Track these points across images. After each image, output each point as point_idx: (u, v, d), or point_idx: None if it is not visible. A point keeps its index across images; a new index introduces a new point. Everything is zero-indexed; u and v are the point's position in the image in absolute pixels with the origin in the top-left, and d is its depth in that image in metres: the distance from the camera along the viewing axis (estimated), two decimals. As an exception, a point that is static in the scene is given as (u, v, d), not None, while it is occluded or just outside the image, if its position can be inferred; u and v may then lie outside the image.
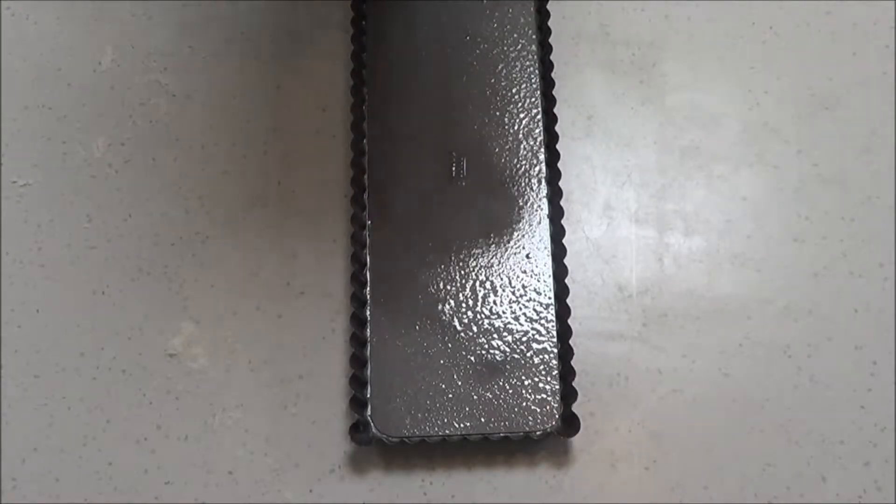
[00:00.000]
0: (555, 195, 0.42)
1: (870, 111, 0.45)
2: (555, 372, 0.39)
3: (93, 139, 0.45)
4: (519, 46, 0.44)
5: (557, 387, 0.38)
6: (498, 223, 0.41)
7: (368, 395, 0.39)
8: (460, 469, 0.39)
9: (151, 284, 0.42)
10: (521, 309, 0.40)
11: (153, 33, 0.47)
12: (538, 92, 0.44)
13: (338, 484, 0.39)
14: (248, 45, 0.46)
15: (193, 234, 0.43)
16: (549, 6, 0.45)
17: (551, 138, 0.43)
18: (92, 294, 0.42)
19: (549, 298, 0.40)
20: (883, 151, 0.44)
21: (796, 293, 0.42)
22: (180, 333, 0.41)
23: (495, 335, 0.39)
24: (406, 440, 0.38)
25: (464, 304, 0.40)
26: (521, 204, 0.42)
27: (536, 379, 0.39)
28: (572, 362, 0.39)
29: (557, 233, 0.41)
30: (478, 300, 0.40)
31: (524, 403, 0.38)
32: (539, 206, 0.42)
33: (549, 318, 0.40)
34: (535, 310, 0.40)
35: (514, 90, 0.44)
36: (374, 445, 0.38)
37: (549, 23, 0.45)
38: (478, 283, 0.40)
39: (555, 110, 0.43)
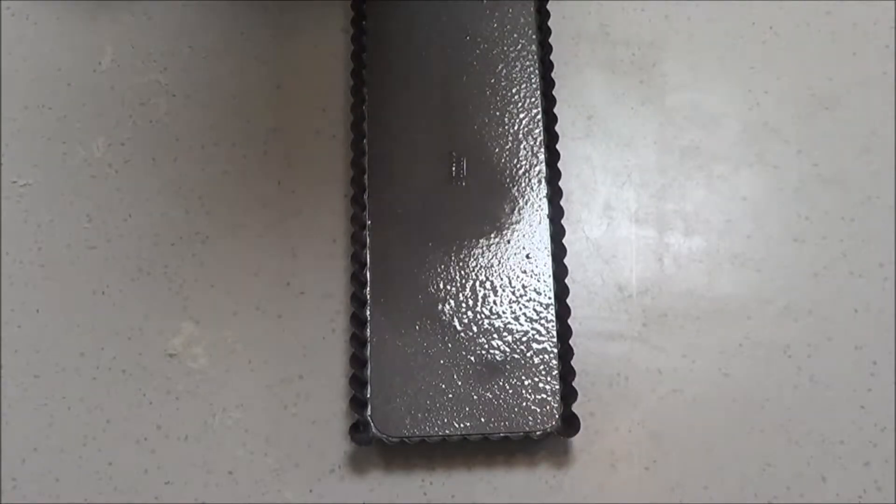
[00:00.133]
0: (555, 195, 0.42)
1: (870, 111, 0.45)
2: (555, 372, 0.39)
3: (93, 139, 0.45)
4: (519, 46, 0.44)
5: (557, 387, 0.38)
6: (498, 223, 0.41)
7: (368, 395, 0.39)
8: (460, 469, 0.39)
9: (151, 284, 0.42)
10: (521, 309, 0.40)
11: (153, 33, 0.47)
12: (538, 92, 0.44)
13: (338, 484, 0.39)
14: (248, 45, 0.46)
15: (193, 234, 0.43)
16: (549, 6, 0.45)
17: (551, 138, 0.43)
18: (92, 294, 0.42)
19: (549, 298, 0.40)
20: (883, 151, 0.44)
21: (796, 293, 0.42)
22: (180, 333, 0.41)
23: (495, 335, 0.39)
24: (406, 440, 0.38)
25: (464, 304, 0.40)
26: (521, 204, 0.42)
27: (536, 379, 0.39)
28: (572, 362, 0.39)
29: (557, 233, 0.41)
30: (478, 300, 0.40)
31: (524, 403, 0.38)
32: (539, 206, 0.42)
33: (549, 318, 0.40)
34: (535, 310, 0.40)
35: (514, 90, 0.44)
36: (374, 445, 0.38)
37: (549, 23, 0.45)
38: (478, 283, 0.40)
39: (555, 110, 0.43)
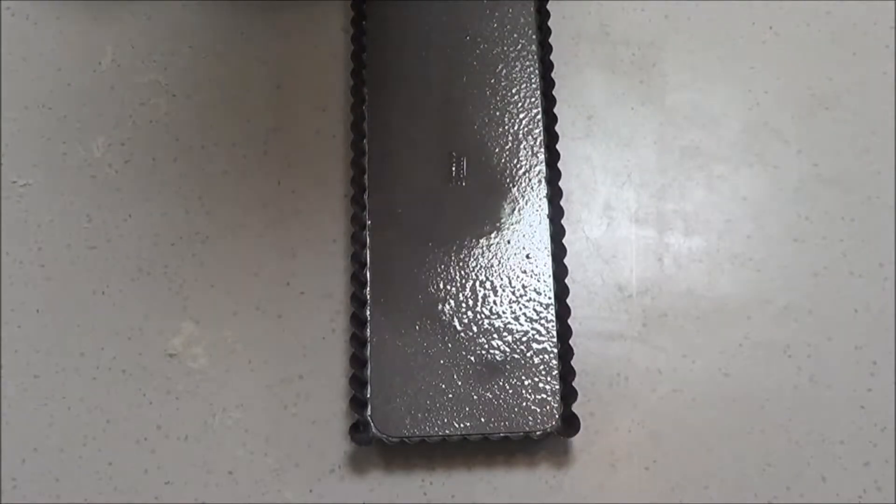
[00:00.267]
0: (555, 195, 0.42)
1: (870, 111, 0.45)
2: (555, 372, 0.39)
3: (93, 139, 0.45)
4: (519, 46, 0.44)
5: (557, 387, 0.38)
6: (498, 223, 0.41)
7: (368, 395, 0.39)
8: (460, 469, 0.39)
9: (151, 284, 0.42)
10: (521, 309, 0.40)
11: (153, 33, 0.47)
12: (538, 92, 0.44)
13: (338, 484, 0.39)
14: (248, 45, 0.46)
15: (193, 234, 0.43)
16: (549, 6, 0.45)
17: (551, 138, 0.43)
18: (92, 294, 0.42)
19: (549, 298, 0.40)
20: (883, 151, 0.44)
21: (796, 293, 0.42)
22: (180, 333, 0.41)
23: (495, 335, 0.39)
24: (406, 440, 0.38)
25: (464, 304, 0.40)
26: (521, 204, 0.42)
27: (536, 379, 0.39)
28: (572, 362, 0.39)
29: (557, 233, 0.41)
30: (478, 300, 0.40)
31: (524, 403, 0.38)
32: (539, 206, 0.42)
33: (549, 318, 0.40)
34: (535, 310, 0.40)
35: (514, 90, 0.44)
36: (374, 445, 0.38)
37: (549, 23, 0.45)
38: (478, 283, 0.40)
39: (555, 110, 0.43)
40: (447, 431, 0.38)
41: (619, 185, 0.44)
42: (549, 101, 0.43)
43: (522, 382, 0.39)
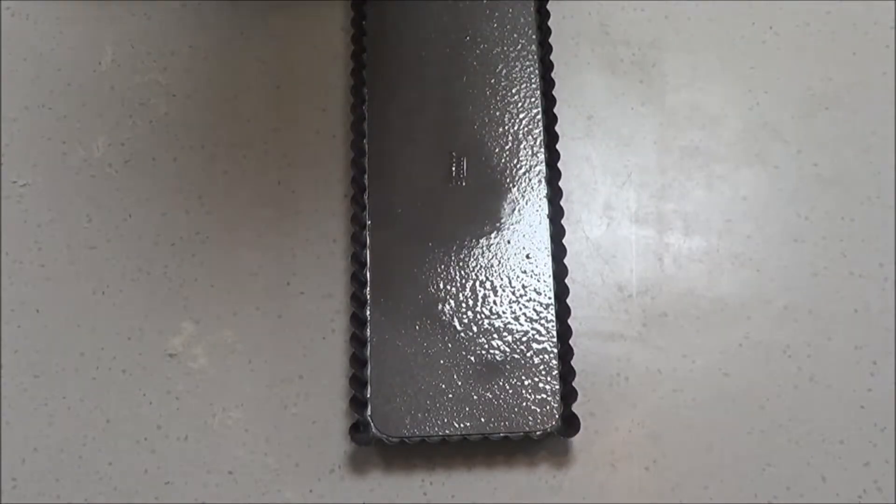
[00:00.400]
0: (555, 195, 0.42)
1: (870, 111, 0.45)
2: (555, 372, 0.39)
3: (93, 139, 0.45)
4: (519, 46, 0.44)
5: (557, 387, 0.39)
6: (498, 223, 0.41)
7: (368, 395, 0.39)
8: (460, 469, 0.39)
9: (151, 284, 0.42)
10: (521, 309, 0.40)
11: (153, 33, 0.47)
12: (538, 92, 0.44)
13: (338, 484, 0.39)
14: (248, 45, 0.46)
15: (193, 234, 0.43)
16: (549, 6, 0.45)
17: (551, 138, 0.43)
18: (92, 294, 0.42)
19: (549, 298, 0.40)
20: (883, 151, 0.44)
21: (796, 293, 0.42)
22: (180, 333, 0.41)
23: (495, 335, 0.39)
24: (406, 440, 0.38)
25: (464, 304, 0.40)
26: (521, 204, 0.42)
27: (536, 379, 0.39)
28: (572, 362, 0.39)
29: (557, 233, 0.41)
30: (478, 300, 0.40)
31: (524, 403, 0.38)
32: (539, 206, 0.42)
33: (549, 318, 0.40)
34: (535, 310, 0.40)
35: (514, 90, 0.44)
36: (374, 445, 0.38)
37: (549, 23, 0.45)
38: (478, 283, 0.40)
39: (555, 110, 0.43)
40: (447, 431, 0.38)
41: (619, 185, 0.44)
42: (549, 101, 0.43)
43: (522, 382, 0.39)
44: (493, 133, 0.43)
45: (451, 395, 0.38)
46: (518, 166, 0.42)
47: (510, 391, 0.39)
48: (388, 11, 0.45)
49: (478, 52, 0.44)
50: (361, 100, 0.43)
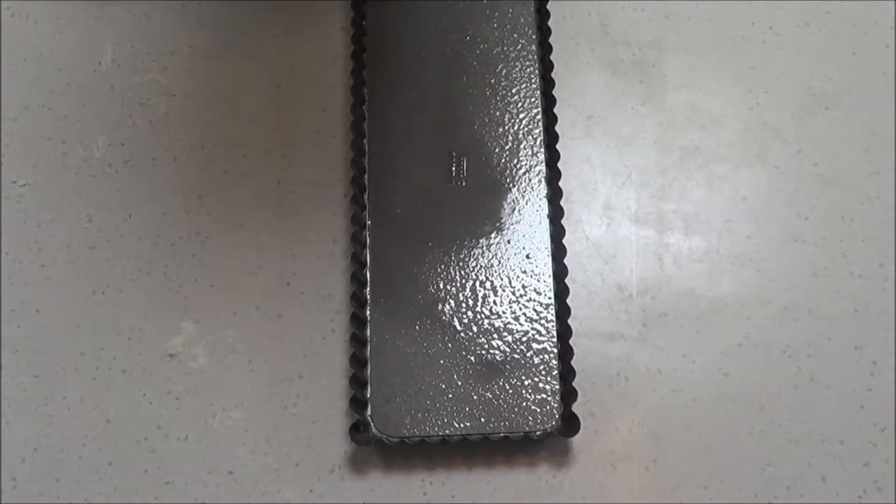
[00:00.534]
0: (555, 195, 0.42)
1: (870, 111, 0.45)
2: (555, 372, 0.39)
3: (93, 139, 0.45)
4: (519, 46, 0.44)
5: (557, 387, 0.38)
6: (498, 223, 0.41)
7: (368, 395, 0.39)
8: (460, 469, 0.39)
9: (151, 284, 0.42)
10: (521, 309, 0.40)
11: (153, 33, 0.47)
12: (538, 92, 0.44)
13: (338, 484, 0.39)
14: (248, 45, 0.46)
15: (193, 234, 0.43)
16: (549, 6, 0.45)
17: (551, 138, 0.43)
18: (92, 294, 0.42)
19: (549, 298, 0.40)
20: (883, 151, 0.44)
21: (796, 293, 0.42)
22: (180, 333, 0.41)
23: (495, 335, 0.39)
24: (406, 440, 0.38)
25: (464, 304, 0.40)
26: (521, 204, 0.42)
27: (536, 379, 0.39)
28: (572, 362, 0.39)
29: (557, 233, 0.41)
30: (478, 300, 0.40)
31: (524, 403, 0.38)
32: (539, 206, 0.42)
33: (549, 318, 0.40)
34: (535, 310, 0.40)
35: (514, 90, 0.44)
36: (374, 445, 0.38)
37: (549, 23, 0.45)
38: (478, 283, 0.40)
39: (555, 110, 0.43)
40: (447, 431, 0.38)
41: (619, 185, 0.44)
42: (549, 101, 0.43)
43: (522, 382, 0.39)
44: (493, 133, 0.43)
45: (451, 395, 0.38)
46: (518, 166, 0.42)
47: (510, 391, 0.38)
48: (388, 11, 0.45)
49: (478, 52, 0.44)
50: (361, 100, 0.43)
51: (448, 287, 0.40)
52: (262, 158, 0.44)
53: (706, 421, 0.40)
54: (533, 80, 0.44)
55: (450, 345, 0.39)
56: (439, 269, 0.41)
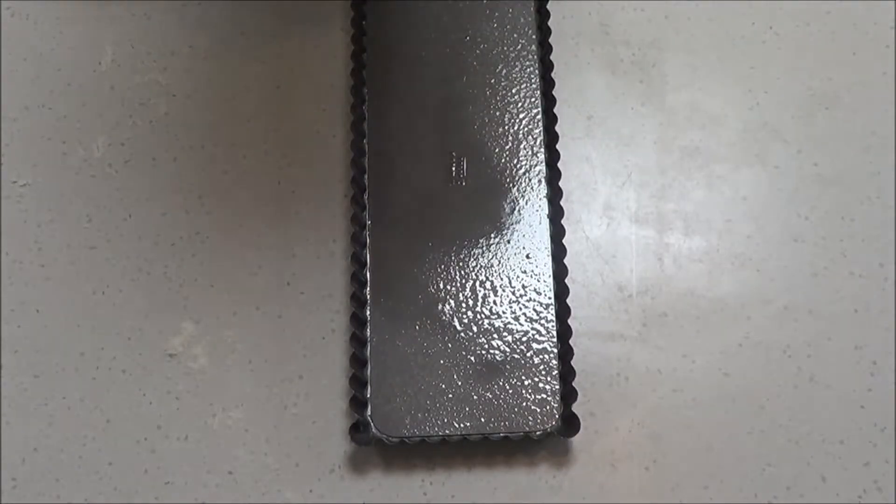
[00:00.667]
0: (555, 195, 0.42)
1: (870, 111, 0.45)
2: (555, 372, 0.39)
3: (93, 139, 0.45)
4: (519, 46, 0.44)
5: (557, 387, 0.38)
6: (498, 223, 0.41)
7: (368, 395, 0.39)
8: (460, 469, 0.39)
9: (151, 284, 0.42)
10: (521, 309, 0.40)
11: (153, 33, 0.47)
12: (538, 92, 0.44)
13: (338, 484, 0.39)
14: (248, 45, 0.46)
15: (193, 234, 0.43)
16: (549, 6, 0.45)
17: (551, 138, 0.43)
18: (92, 294, 0.42)
19: (549, 298, 0.40)
20: (883, 151, 0.44)
21: (796, 293, 0.42)
22: (180, 333, 0.41)
23: (495, 335, 0.39)
24: (406, 440, 0.38)
25: (464, 304, 0.40)
26: (521, 204, 0.42)
27: (536, 379, 0.39)
28: (572, 362, 0.39)
29: (557, 233, 0.41)
30: (478, 300, 0.40)
31: (524, 403, 0.38)
32: (539, 206, 0.42)
33: (549, 318, 0.40)
34: (535, 310, 0.40)
35: (514, 90, 0.44)
36: (374, 445, 0.38)
37: (549, 23, 0.45)
38: (478, 283, 0.40)
39: (555, 110, 0.43)
40: (447, 431, 0.38)
41: (619, 185, 0.44)
42: (549, 101, 0.43)
43: (522, 382, 0.39)
44: (493, 133, 0.43)
45: (451, 395, 0.38)
46: (518, 166, 0.42)
47: (510, 391, 0.39)
48: (388, 11, 0.45)
49: (478, 52, 0.44)
50: (361, 100, 0.43)
51: (448, 287, 0.40)
52: (262, 158, 0.44)
53: (706, 421, 0.40)
54: (533, 80, 0.44)
55: (450, 345, 0.39)
56: (439, 269, 0.41)
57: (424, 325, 0.40)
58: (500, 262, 0.41)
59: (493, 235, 0.41)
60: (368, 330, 0.40)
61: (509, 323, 0.40)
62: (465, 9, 0.45)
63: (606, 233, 0.43)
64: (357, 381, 0.39)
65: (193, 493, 0.39)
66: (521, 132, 0.43)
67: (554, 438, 0.38)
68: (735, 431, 0.39)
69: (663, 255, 0.42)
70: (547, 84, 0.44)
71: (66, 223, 0.43)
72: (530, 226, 0.41)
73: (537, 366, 0.39)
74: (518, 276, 0.40)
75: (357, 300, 0.40)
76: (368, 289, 0.40)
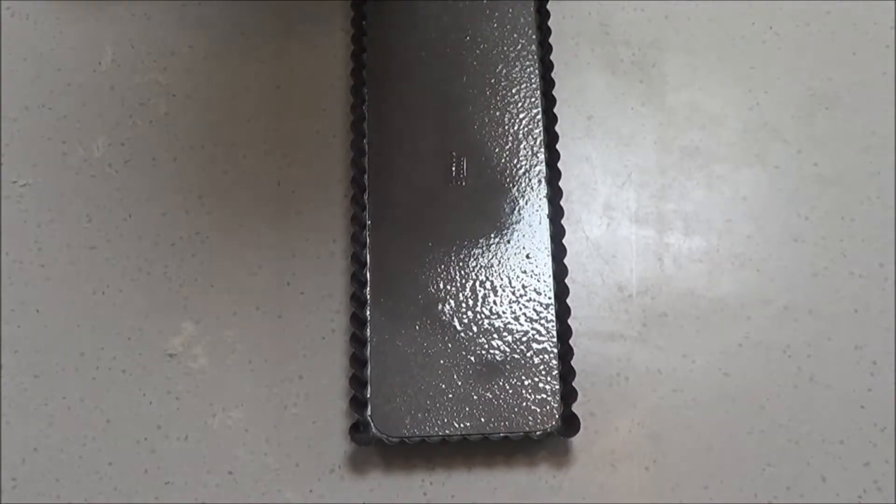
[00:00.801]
0: (555, 195, 0.42)
1: (870, 111, 0.45)
2: (555, 372, 0.39)
3: (93, 139, 0.45)
4: (519, 46, 0.44)
5: (557, 387, 0.38)
6: (498, 223, 0.41)
7: (368, 395, 0.39)
8: (460, 469, 0.39)
9: (151, 284, 0.42)
10: (521, 309, 0.40)
11: (153, 33, 0.47)
12: (538, 92, 0.44)
13: (338, 484, 0.39)
14: (248, 45, 0.46)
15: (193, 234, 0.43)
16: (549, 6, 0.45)
17: (551, 138, 0.43)
18: (92, 294, 0.42)
19: (549, 298, 0.40)
20: (883, 151, 0.44)
21: (796, 293, 0.42)
22: (180, 333, 0.41)
23: (495, 335, 0.39)
24: (406, 440, 0.38)
25: (464, 304, 0.40)
26: (521, 204, 0.42)
27: (536, 379, 0.39)
28: (572, 362, 0.39)
29: (557, 233, 0.41)
30: (478, 300, 0.40)
31: (524, 403, 0.38)
32: (539, 206, 0.42)
33: (549, 318, 0.40)
34: (535, 310, 0.40)
35: (514, 90, 0.44)
36: (374, 445, 0.38)
37: (549, 23, 0.45)
38: (478, 283, 0.40)
39: (555, 110, 0.43)
40: (447, 431, 0.38)
41: (619, 185, 0.44)
42: (549, 101, 0.43)
43: (522, 382, 0.39)
44: (493, 133, 0.43)
45: (451, 395, 0.38)
46: (518, 166, 0.42)
47: (510, 391, 0.39)
48: (388, 11, 0.45)
49: (478, 52, 0.44)
50: (361, 100, 0.43)
51: (448, 287, 0.40)
52: (262, 158, 0.44)
53: (706, 421, 0.40)
54: (533, 80, 0.44)
55: (450, 345, 0.39)
56: (439, 269, 0.41)
57: (424, 325, 0.40)
58: (500, 262, 0.41)
59: (493, 235, 0.41)
60: (368, 330, 0.40)
61: (509, 323, 0.40)
62: (465, 9, 0.45)
63: (606, 233, 0.43)
64: (357, 381, 0.39)
65: (193, 493, 0.39)
66: (521, 132, 0.43)
67: (554, 438, 0.38)
68: (735, 431, 0.39)
69: (663, 255, 0.42)
70: (547, 84, 0.44)
71: (66, 223, 0.43)
72: (530, 226, 0.41)
73: (537, 366, 0.39)
74: (518, 276, 0.40)
75: (357, 300, 0.40)
76: (368, 289, 0.40)
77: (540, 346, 0.39)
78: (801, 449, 0.39)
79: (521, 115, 0.43)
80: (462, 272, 0.41)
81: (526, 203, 0.42)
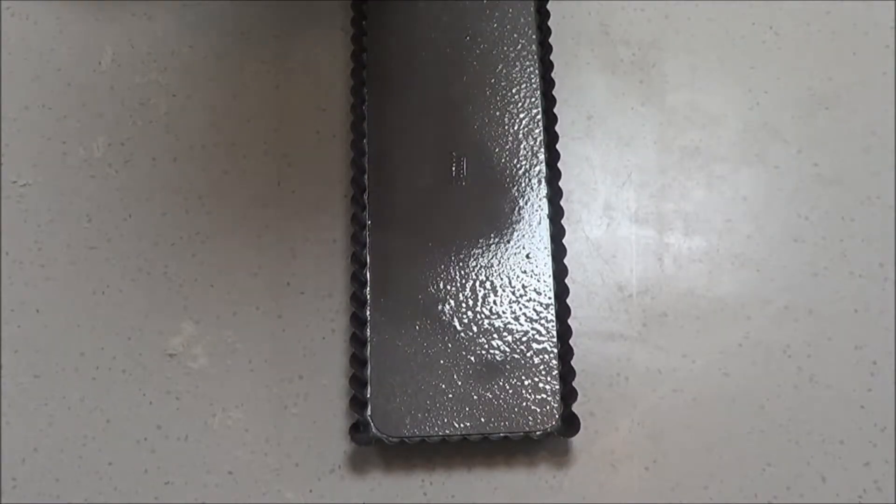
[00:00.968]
0: (555, 195, 0.42)
1: (870, 111, 0.45)
2: (555, 372, 0.39)
3: (93, 139, 0.45)
4: (519, 46, 0.44)
5: (557, 387, 0.39)
6: (498, 223, 0.41)
7: (368, 395, 0.39)
8: (460, 469, 0.39)
9: (151, 284, 0.42)
10: (521, 309, 0.40)
11: (153, 33, 0.47)
12: (538, 92, 0.44)
13: (338, 484, 0.39)
14: (248, 45, 0.46)
15: (193, 234, 0.43)
16: (549, 6, 0.45)
17: (551, 138, 0.43)
18: (92, 294, 0.42)
19: (549, 298, 0.40)
20: (883, 151, 0.44)
21: (796, 293, 0.42)
22: (180, 333, 0.41)
23: (495, 335, 0.39)
24: (406, 440, 0.38)
25: (464, 304, 0.40)
26: (521, 204, 0.42)
27: (536, 379, 0.39)
28: (572, 362, 0.39)
29: (557, 233, 0.41)
30: (478, 300, 0.40)
31: (524, 403, 0.38)
32: (539, 206, 0.42)
33: (549, 318, 0.40)
34: (535, 310, 0.40)
35: (514, 90, 0.44)
36: (374, 445, 0.38)
37: (549, 23, 0.45)
38: (478, 283, 0.40)
39: (555, 110, 0.43)
40: (447, 431, 0.38)
41: (619, 185, 0.44)
42: (549, 101, 0.43)
43: (522, 382, 0.39)
44: (493, 133, 0.43)
45: (451, 395, 0.38)
46: (518, 166, 0.42)
47: (510, 391, 0.39)
48: (388, 11, 0.45)
49: (478, 52, 0.44)
50: (361, 100, 0.43)
51: (448, 287, 0.40)
52: (262, 158, 0.44)
53: (706, 421, 0.40)
54: (533, 80, 0.44)
55: (450, 345, 0.39)
56: (439, 269, 0.41)
57: (424, 325, 0.40)
58: (500, 262, 0.41)
59: (493, 235, 0.41)
60: (368, 330, 0.40)
61: (509, 323, 0.40)
62: (465, 9, 0.45)
63: (606, 233, 0.43)
64: (357, 381, 0.39)
65: (193, 493, 0.39)
66: (521, 132, 0.43)
67: (554, 438, 0.38)
68: (735, 431, 0.39)
69: (663, 255, 0.42)
70: (547, 84, 0.44)
71: (66, 223, 0.43)
72: (530, 226, 0.41)
73: (537, 366, 0.39)
74: (518, 276, 0.40)
75: (357, 300, 0.40)
76: (368, 289, 0.40)
77: (540, 346, 0.39)
78: (801, 449, 0.39)
79: (521, 115, 0.43)
80: (462, 272, 0.41)
81: (526, 203, 0.42)
